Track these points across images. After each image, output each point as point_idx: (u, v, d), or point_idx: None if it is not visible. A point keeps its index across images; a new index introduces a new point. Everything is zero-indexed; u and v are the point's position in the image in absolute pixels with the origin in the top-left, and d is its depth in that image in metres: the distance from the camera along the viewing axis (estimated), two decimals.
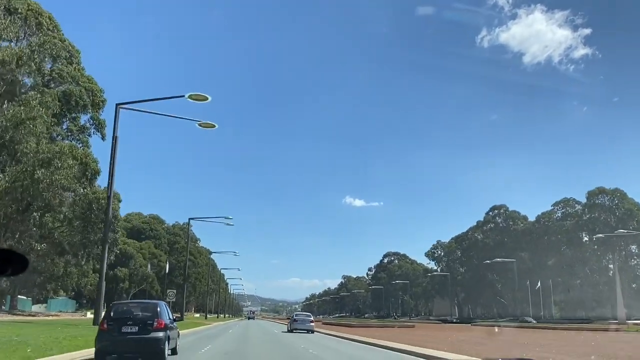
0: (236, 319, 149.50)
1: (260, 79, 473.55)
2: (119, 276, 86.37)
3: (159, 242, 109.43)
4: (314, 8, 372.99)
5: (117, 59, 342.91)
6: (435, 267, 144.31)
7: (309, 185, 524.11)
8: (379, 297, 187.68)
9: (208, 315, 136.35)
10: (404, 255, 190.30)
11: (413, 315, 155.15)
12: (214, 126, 27.66)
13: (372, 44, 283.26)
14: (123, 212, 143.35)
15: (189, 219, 55.10)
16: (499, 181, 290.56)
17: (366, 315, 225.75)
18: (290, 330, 42.87)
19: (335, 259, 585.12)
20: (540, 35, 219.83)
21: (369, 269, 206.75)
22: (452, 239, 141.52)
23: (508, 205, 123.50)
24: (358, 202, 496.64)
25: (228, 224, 55.15)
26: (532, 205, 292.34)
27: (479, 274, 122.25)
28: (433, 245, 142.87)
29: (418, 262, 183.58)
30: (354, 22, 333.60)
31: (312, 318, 45.65)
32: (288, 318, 68.64)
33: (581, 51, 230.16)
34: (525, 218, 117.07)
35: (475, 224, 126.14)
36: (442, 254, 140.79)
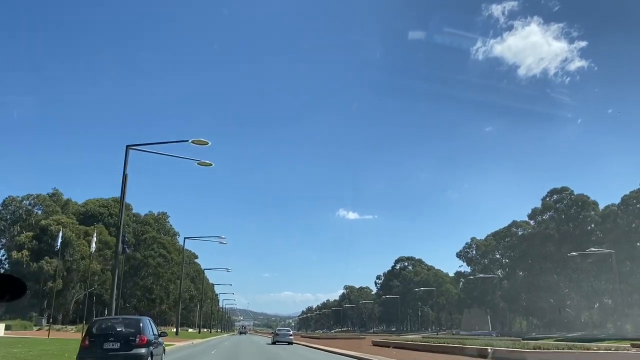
0: (226, 334, 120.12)
1: (254, 100, 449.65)
2: (46, 270, 56.06)
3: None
4: (311, 34, 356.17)
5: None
6: (467, 270, 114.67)
7: (301, 199, 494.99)
8: (391, 308, 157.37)
9: (188, 330, 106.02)
10: (420, 260, 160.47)
11: (441, 328, 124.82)
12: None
13: (365, 68, 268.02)
14: (80, 198, 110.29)
15: (127, 146, 25.41)
16: (493, 193, 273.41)
17: (373, 329, 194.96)
18: (273, 343, 45.98)
19: (329, 272, 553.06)
20: (537, 48, 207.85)
21: (377, 277, 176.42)
22: (488, 235, 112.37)
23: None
24: (352, 215, 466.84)
25: (202, 163, 26.09)
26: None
27: (533, 276, 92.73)
28: (466, 243, 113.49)
29: (436, 267, 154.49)
30: (348, 47, 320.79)
31: (291, 332, 50.78)
32: None
33: (577, 63, 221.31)
34: (595, 203, 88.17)
35: (528, 213, 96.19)
36: (479, 254, 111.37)
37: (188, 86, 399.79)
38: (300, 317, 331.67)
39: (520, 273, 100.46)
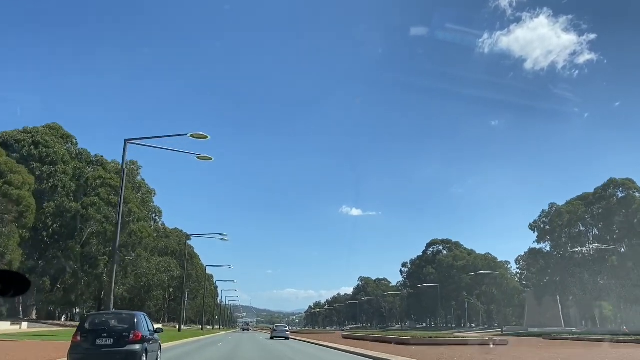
0: (224, 332, 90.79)
1: (258, 96, 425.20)
2: None
3: (52, 169, 48.19)
4: (312, 30, 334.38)
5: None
6: (544, 247, 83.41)
7: (304, 195, 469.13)
8: (422, 301, 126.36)
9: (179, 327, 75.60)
10: (457, 244, 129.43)
11: (493, 324, 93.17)
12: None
13: (368, 64, 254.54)
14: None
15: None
16: (498, 188, 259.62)
17: (400, 326, 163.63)
18: (271, 338, 47.56)
19: (332, 269, 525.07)
20: (545, 40, 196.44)
21: (403, 264, 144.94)
22: (571, 200, 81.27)
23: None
24: (355, 212, 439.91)
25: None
26: (526, 216, 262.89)
27: None
28: (543, 211, 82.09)
29: (477, 252, 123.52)
30: (350, 43, 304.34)
31: (287, 328, 51.94)
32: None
33: (586, 56, 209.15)
34: None
35: None
36: (561, 223, 79.99)
37: (190, 81, 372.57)
38: (307, 312, 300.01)
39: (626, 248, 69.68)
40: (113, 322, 13.38)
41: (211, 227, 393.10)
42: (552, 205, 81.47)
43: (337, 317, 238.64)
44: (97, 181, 47.07)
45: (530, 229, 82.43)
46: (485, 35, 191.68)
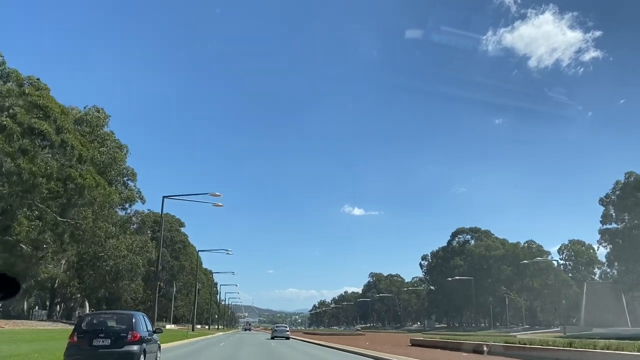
0: (221, 333, 74.71)
1: (259, 96, 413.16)
2: None
3: None
4: (308, 32, 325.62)
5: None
6: (618, 227, 65.93)
7: (305, 195, 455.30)
8: (447, 297, 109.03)
9: (166, 327, 58.31)
10: (487, 232, 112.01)
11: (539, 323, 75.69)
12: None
13: (365, 66, 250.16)
14: None
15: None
16: (499, 188, 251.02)
17: (414, 325, 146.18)
18: (272, 338, 48.67)
19: (333, 269, 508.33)
20: (550, 37, 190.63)
21: (423, 257, 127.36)
22: None
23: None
24: (357, 211, 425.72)
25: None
26: (531, 214, 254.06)
27: None
28: (617, 183, 64.68)
29: (510, 241, 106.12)
30: (346, 45, 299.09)
31: (288, 328, 53.65)
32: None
33: (592, 54, 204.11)
34: None
35: None
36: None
37: (190, 82, 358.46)
38: (312, 312, 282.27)
39: None
40: (111, 322, 12.92)
41: (211, 227, 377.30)
42: (629, 174, 64.04)
43: (344, 316, 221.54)
44: (20, 100, 29.88)
45: (601, 204, 65.13)
46: (489, 33, 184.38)
